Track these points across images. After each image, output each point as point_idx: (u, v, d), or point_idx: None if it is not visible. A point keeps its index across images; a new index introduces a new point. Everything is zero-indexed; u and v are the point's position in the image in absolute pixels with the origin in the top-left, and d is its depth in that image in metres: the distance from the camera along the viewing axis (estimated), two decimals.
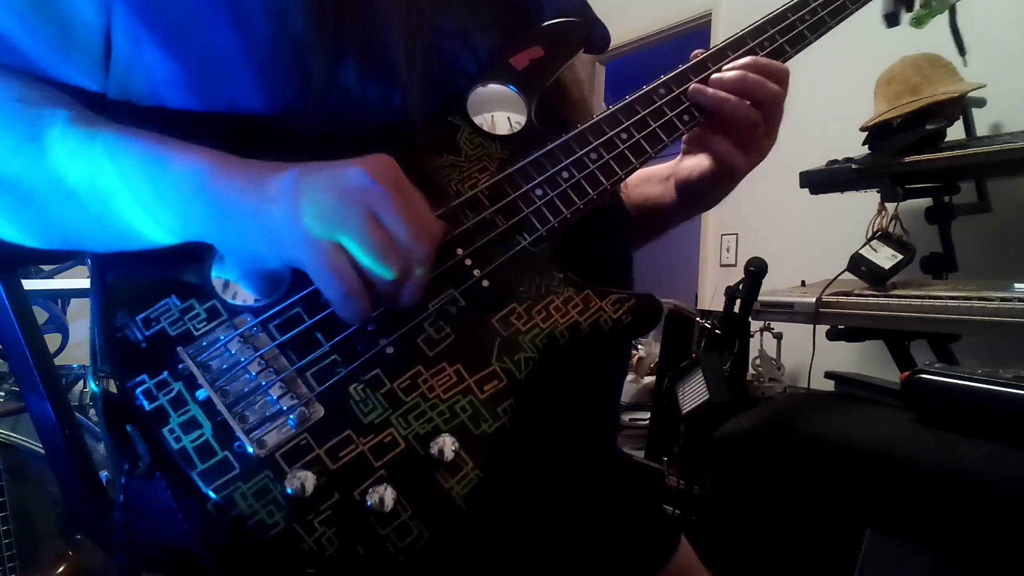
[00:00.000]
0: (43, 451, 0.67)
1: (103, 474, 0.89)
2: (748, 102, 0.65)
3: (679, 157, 0.76)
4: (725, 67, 0.66)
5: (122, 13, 0.50)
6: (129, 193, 0.46)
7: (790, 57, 0.71)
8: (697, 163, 0.72)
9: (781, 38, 0.70)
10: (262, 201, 0.44)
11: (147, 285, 0.48)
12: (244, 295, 0.48)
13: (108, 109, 0.51)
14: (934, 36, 1.61)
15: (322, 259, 0.43)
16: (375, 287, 0.45)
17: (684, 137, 0.68)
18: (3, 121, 0.48)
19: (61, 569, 1.37)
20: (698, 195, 0.74)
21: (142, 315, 0.47)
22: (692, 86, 0.65)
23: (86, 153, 0.47)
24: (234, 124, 0.51)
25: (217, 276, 0.48)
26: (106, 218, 0.48)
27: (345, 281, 0.43)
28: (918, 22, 1.03)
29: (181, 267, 0.48)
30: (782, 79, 0.67)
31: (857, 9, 0.75)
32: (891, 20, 1.02)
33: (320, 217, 0.43)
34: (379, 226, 0.44)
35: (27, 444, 1.35)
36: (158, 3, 0.50)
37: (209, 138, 0.48)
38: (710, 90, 0.65)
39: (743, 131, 0.66)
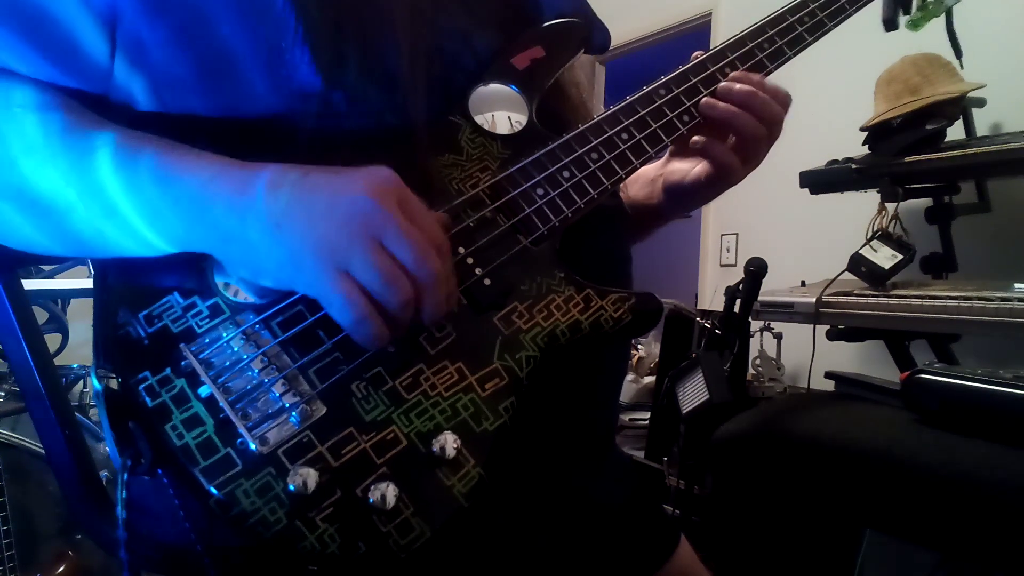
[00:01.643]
0: (43, 451, 0.67)
1: (103, 474, 0.89)
2: (756, 118, 0.65)
3: (665, 158, 0.76)
4: (734, 79, 0.66)
5: (128, 16, 0.50)
6: (132, 207, 0.47)
7: (789, 59, 0.71)
8: (689, 167, 0.72)
9: (780, 40, 0.70)
10: (263, 228, 0.44)
11: (149, 283, 0.48)
12: (246, 293, 0.48)
13: (111, 111, 0.51)
14: (934, 37, 1.61)
15: (330, 289, 0.43)
16: (393, 311, 0.44)
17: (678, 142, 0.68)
18: (7, 129, 0.49)
19: (61, 569, 1.37)
20: (690, 198, 0.75)
21: (144, 312, 0.47)
22: (703, 99, 0.65)
23: (90, 164, 0.47)
24: (236, 126, 0.51)
25: (219, 277, 0.49)
26: (108, 230, 0.48)
27: (356, 308, 0.43)
28: (914, 25, 1.03)
29: (184, 266, 0.48)
30: (787, 104, 0.68)
31: (855, 11, 0.75)
32: (890, 25, 1.02)
33: (324, 249, 0.43)
34: (384, 252, 0.44)
35: (27, 444, 1.34)
36: (164, 6, 0.50)
37: (211, 140, 0.48)
38: (721, 104, 0.65)
39: (748, 144, 0.67)
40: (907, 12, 1.02)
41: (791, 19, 0.71)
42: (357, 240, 0.43)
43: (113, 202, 0.47)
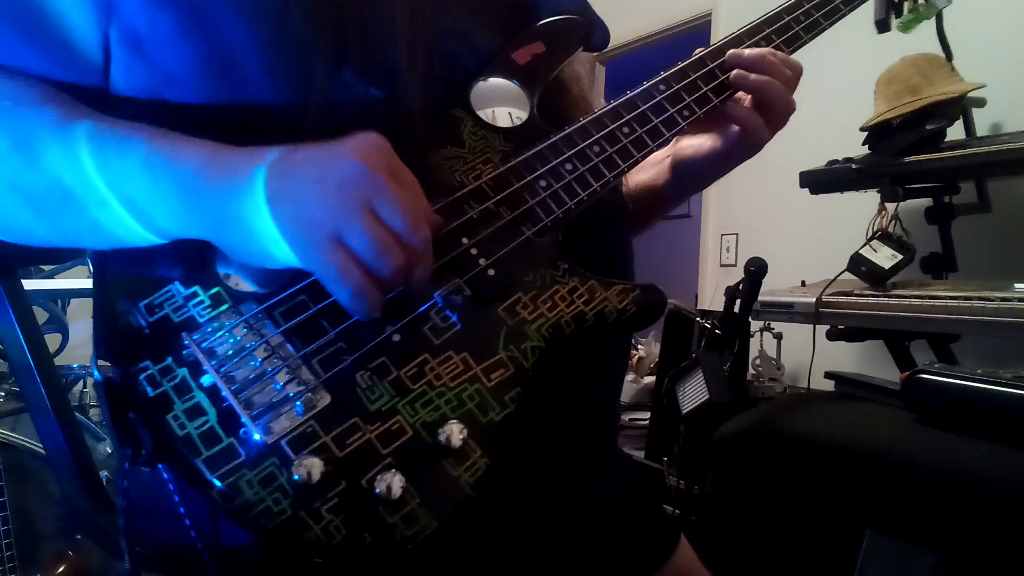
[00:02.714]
0: (43, 451, 0.67)
1: (103, 474, 0.89)
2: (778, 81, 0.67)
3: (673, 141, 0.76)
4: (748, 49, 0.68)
5: (126, 10, 0.50)
6: (124, 198, 0.46)
7: None
8: (700, 142, 0.73)
9: (777, 38, 0.71)
10: (256, 206, 0.44)
11: (150, 273, 0.48)
12: (247, 284, 0.48)
13: (109, 104, 0.51)
14: (934, 37, 1.62)
15: (325, 260, 0.42)
16: (381, 279, 0.44)
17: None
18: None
19: (61, 569, 1.37)
20: (698, 174, 0.75)
21: (145, 302, 0.46)
22: (735, 72, 0.67)
23: (79, 156, 0.47)
24: (236, 119, 0.51)
25: (221, 268, 0.48)
26: (104, 221, 0.48)
27: (351, 280, 0.42)
28: (905, 27, 1.04)
29: (185, 256, 0.48)
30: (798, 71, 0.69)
31: (850, 11, 0.76)
32: (882, 26, 1.03)
33: (316, 218, 0.42)
34: (377, 220, 0.43)
35: (27, 444, 1.35)
36: (162, 2, 0.50)
37: (210, 134, 0.48)
38: (752, 75, 0.66)
39: (775, 107, 0.68)
40: (899, 15, 1.02)
41: (787, 18, 0.72)
42: (349, 206, 0.42)
43: (106, 194, 0.47)
